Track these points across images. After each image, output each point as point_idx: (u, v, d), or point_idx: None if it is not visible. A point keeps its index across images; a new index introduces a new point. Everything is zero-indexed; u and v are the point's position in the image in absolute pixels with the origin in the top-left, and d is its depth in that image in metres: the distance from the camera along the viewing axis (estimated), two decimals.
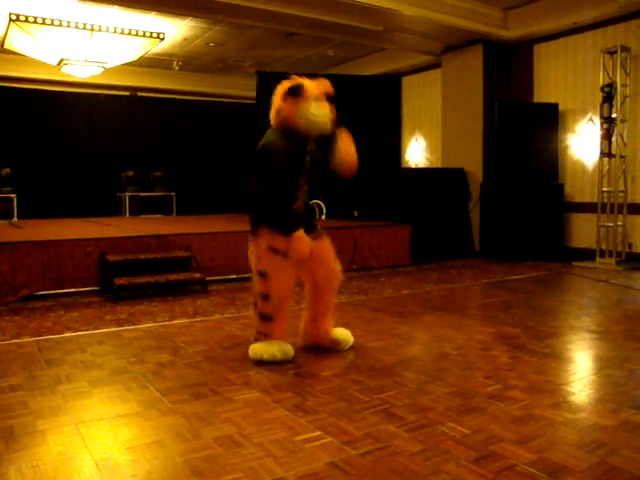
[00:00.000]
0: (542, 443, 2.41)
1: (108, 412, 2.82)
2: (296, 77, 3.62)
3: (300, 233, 3.47)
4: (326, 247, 3.83)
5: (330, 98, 3.63)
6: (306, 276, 3.83)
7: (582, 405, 2.90)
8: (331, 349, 3.87)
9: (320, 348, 3.89)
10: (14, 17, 8.19)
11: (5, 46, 9.49)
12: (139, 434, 2.57)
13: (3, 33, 9.04)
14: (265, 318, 3.62)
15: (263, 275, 3.62)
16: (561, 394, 3.05)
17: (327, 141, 3.68)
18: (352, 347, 3.95)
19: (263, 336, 3.65)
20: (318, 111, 3.52)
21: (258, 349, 3.63)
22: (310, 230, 3.69)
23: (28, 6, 8.45)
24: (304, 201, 3.74)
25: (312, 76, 3.73)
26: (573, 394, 3.06)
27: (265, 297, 3.60)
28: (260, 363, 3.57)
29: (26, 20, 8.25)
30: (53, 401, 2.98)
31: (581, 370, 3.62)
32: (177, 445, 2.43)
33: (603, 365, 3.59)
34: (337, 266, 3.85)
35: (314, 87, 3.56)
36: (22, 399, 3.00)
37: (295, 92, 3.51)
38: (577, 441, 2.45)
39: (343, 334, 3.93)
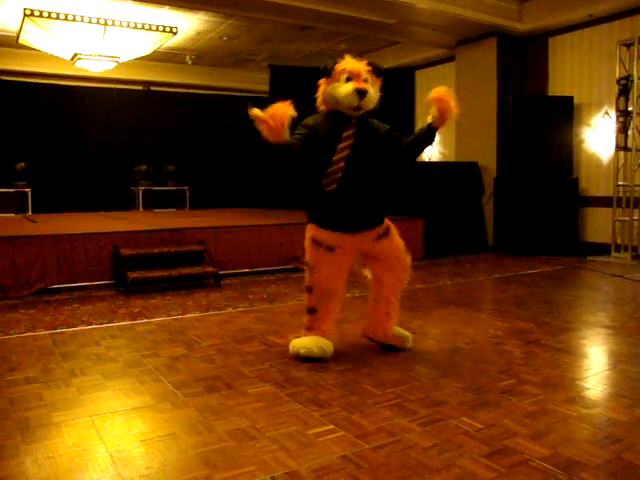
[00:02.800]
0: (556, 438, 2.40)
1: (122, 405, 2.84)
2: (348, 57, 3.52)
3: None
4: (394, 245, 3.64)
5: (378, 73, 3.52)
6: (374, 271, 3.70)
7: (596, 400, 2.88)
8: (393, 347, 3.74)
9: (378, 345, 3.79)
10: (28, 12, 8.25)
11: (20, 41, 9.54)
12: (153, 427, 2.59)
13: (18, 28, 9.09)
14: (309, 311, 3.58)
15: (307, 265, 3.57)
16: (575, 389, 3.03)
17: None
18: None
19: (306, 330, 3.59)
20: (341, 90, 3.39)
21: (297, 343, 3.55)
22: (361, 227, 3.53)
23: (42, 1, 8.49)
24: (349, 184, 3.47)
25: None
26: (587, 389, 3.03)
27: (309, 289, 3.56)
28: (297, 358, 3.51)
29: (40, 15, 8.31)
30: (68, 394, 3.00)
31: (595, 365, 3.59)
32: (190, 438, 2.44)
33: (618, 360, 3.56)
34: (406, 261, 3.67)
35: (348, 65, 3.44)
36: (37, 391, 3.03)
37: (325, 72, 3.47)
38: (591, 436, 2.43)
39: (404, 331, 3.81)
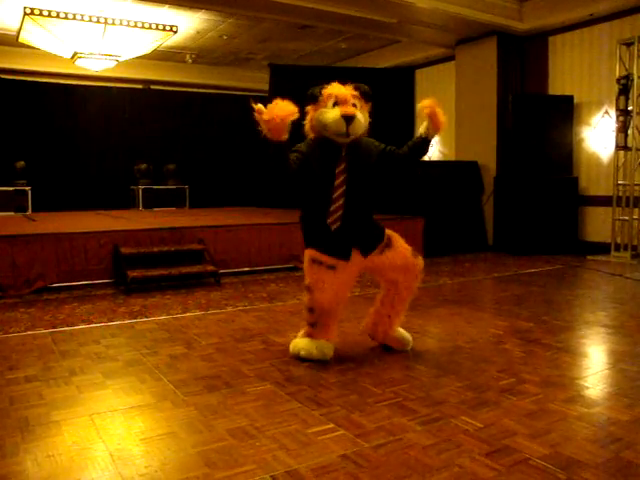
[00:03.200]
0: (556, 437, 2.40)
1: (122, 403, 2.84)
2: (333, 84, 3.44)
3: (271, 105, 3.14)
4: (400, 253, 3.57)
5: (367, 98, 3.47)
6: (383, 280, 3.69)
7: (596, 400, 2.88)
8: (394, 348, 3.75)
9: (379, 345, 3.80)
10: (28, 10, 8.24)
11: (20, 40, 9.54)
12: (153, 425, 2.59)
13: (18, 27, 9.09)
14: (311, 325, 3.54)
15: (308, 289, 3.46)
16: (575, 388, 3.03)
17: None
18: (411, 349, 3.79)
19: (308, 336, 3.56)
20: (329, 116, 3.32)
21: (297, 344, 3.56)
22: (371, 247, 3.51)
23: None
24: (350, 217, 3.43)
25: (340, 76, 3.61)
26: (587, 388, 3.04)
27: (310, 310, 3.50)
28: (297, 358, 3.52)
29: (40, 13, 8.30)
30: (68, 392, 3.00)
31: (595, 364, 3.59)
32: (190, 437, 2.44)
33: (618, 359, 3.56)
34: (415, 266, 3.62)
35: (332, 91, 3.38)
36: (37, 390, 3.03)
37: (311, 98, 3.41)
38: (591, 436, 2.43)
39: (405, 334, 3.80)
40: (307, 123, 3.48)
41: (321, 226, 3.42)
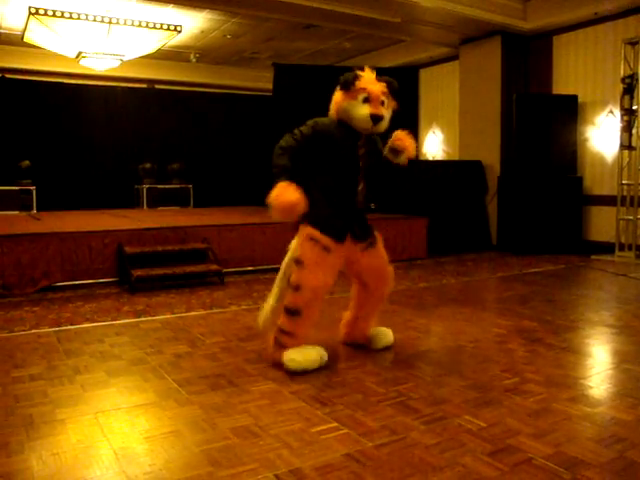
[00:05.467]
0: (559, 437, 2.40)
1: (126, 402, 2.85)
2: (366, 69, 3.48)
3: (284, 184, 3.23)
4: (379, 255, 3.63)
5: (394, 94, 3.50)
6: (356, 279, 3.70)
7: (600, 399, 2.88)
8: (366, 347, 3.77)
9: (357, 345, 3.81)
10: (33, 10, 8.26)
11: (25, 39, 9.56)
12: (157, 424, 2.60)
13: (23, 26, 9.12)
14: (291, 313, 3.31)
15: (299, 263, 3.34)
16: (579, 388, 3.03)
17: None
18: (390, 347, 3.80)
19: (287, 337, 3.33)
20: (358, 111, 3.35)
21: (295, 357, 3.29)
22: (363, 237, 3.56)
23: None
24: (352, 204, 3.51)
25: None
26: (591, 388, 3.03)
27: (296, 288, 3.31)
28: (304, 373, 3.26)
29: (45, 13, 8.32)
30: (72, 391, 3.01)
31: (599, 364, 3.58)
32: (194, 435, 2.45)
33: (622, 359, 3.56)
34: (390, 273, 3.67)
35: (368, 85, 3.38)
36: (42, 388, 3.04)
37: (344, 85, 3.40)
38: (595, 435, 2.43)
39: (380, 332, 3.80)
40: (333, 105, 3.49)
41: (329, 205, 3.43)
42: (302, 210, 3.21)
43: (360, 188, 3.50)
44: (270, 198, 3.20)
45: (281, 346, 3.36)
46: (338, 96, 3.46)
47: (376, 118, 3.35)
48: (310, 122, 3.46)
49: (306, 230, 3.41)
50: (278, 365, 3.35)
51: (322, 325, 3.76)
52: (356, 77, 3.37)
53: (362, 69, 3.46)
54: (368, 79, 3.41)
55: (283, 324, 3.36)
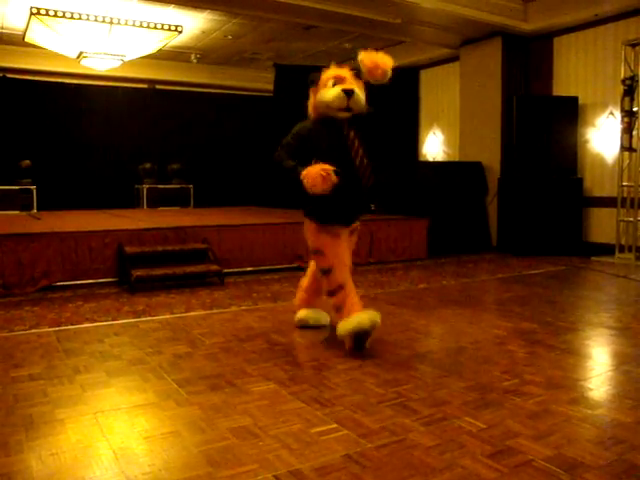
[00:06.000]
0: (559, 439, 2.40)
1: (125, 402, 2.85)
2: (331, 67, 3.77)
3: (306, 169, 3.46)
4: (353, 241, 4.03)
5: (360, 78, 3.72)
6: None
7: (600, 401, 2.88)
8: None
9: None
10: (35, 10, 8.27)
11: (26, 39, 9.57)
12: (156, 424, 2.59)
13: (24, 27, 9.12)
14: (334, 291, 3.68)
15: (320, 252, 3.76)
16: (579, 390, 3.03)
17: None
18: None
19: (340, 310, 3.65)
20: (330, 93, 3.61)
21: (347, 324, 3.55)
22: (349, 222, 3.85)
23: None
24: (363, 178, 3.72)
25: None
26: (591, 390, 3.03)
27: (327, 271, 3.70)
28: (351, 335, 3.57)
29: (46, 13, 8.32)
30: (72, 390, 3.01)
31: (599, 366, 3.58)
32: (193, 436, 2.45)
33: (621, 361, 3.56)
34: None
35: (331, 73, 3.69)
36: (41, 388, 3.04)
37: (312, 84, 3.72)
38: (595, 437, 2.43)
39: (312, 313, 4.27)
40: (310, 106, 3.80)
41: (333, 196, 3.55)
42: (332, 174, 3.41)
43: (361, 168, 3.67)
44: (306, 185, 3.45)
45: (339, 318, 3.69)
46: (311, 95, 3.77)
47: (348, 92, 3.60)
48: (294, 129, 3.76)
49: (313, 225, 3.78)
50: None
51: None
52: (321, 72, 3.72)
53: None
54: (332, 69, 3.74)
55: (335, 301, 3.72)
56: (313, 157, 3.55)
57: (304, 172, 3.44)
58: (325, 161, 3.50)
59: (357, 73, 3.72)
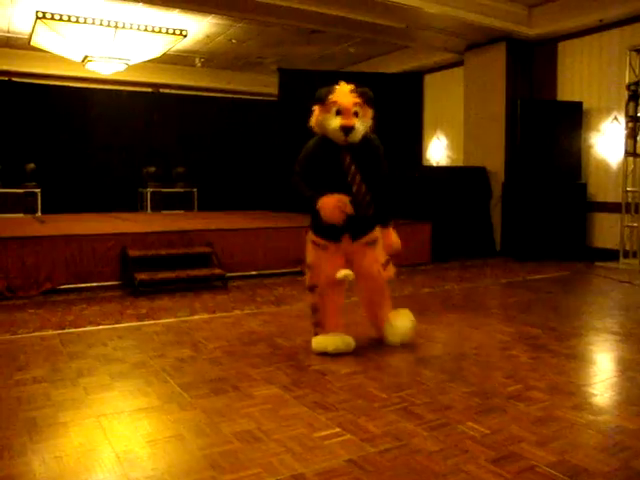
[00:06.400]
0: (563, 445, 2.39)
1: (129, 405, 2.85)
2: (341, 83, 3.67)
3: (322, 200, 3.51)
4: (371, 256, 3.79)
5: (370, 104, 3.67)
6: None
7: (604, 407, 2.87)
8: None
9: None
10: (40, 15, 8.32)
11: (31, 43, 9.62)
12: (159, 428, 2.59)
13: (30, 30, 9.16)
14: (315, 309, 3.80)
15: (309, 267, 3.81)
16: (583, 396, 3.02)
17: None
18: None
19: (319, 328, 3.80)
20: (330, 124, 3.57)
21: (322, 341, 3.74)
22: (359, 236, 3.74)
23: (54, 4, 8.55)
24: (358, 205, 3.66)
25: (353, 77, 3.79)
26: (595, 396, 3.02)
27: (312, 288, 3.78)
28: (324, 354, 3.68)
29: (52, 17, 8.38)
30: (75, 393, 3.01)
31: (603, 372, 3.57)
32: (197, 439, 2.45)
33: (626, 367, 3.55)
34: (374, 274, 3.80)
35: (339, 99, 3.57)
36: (45, 391, 3.04)
37: (319, 100, 3.63)
38: (599, 444, 2.42)
39: (390, 327, 3.92)
40: (313, 119, 3.73)
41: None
42: (347, 205, 3.49)
43: (354, 192, 3.63)
44: (322, 215, 3.52)
45: (315, 335, 3.83)
46: (316, 110, 3.68)
47: (346, 129, 3.55)
48: (303, 150, 3.77)
49: (308, 237, 3.83)
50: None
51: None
52: (329, 91, 3.60)
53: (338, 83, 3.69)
54: (340, 92, 3.62)
55: (312, 318, 3.86)
56: (314, 175, 3.67)
57: (320, 202, 3.51)
58: (324, 184, 3.60)
59: (366, 100, 3.63)
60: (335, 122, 3.56)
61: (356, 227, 3.70)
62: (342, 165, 3.64)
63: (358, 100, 3.60)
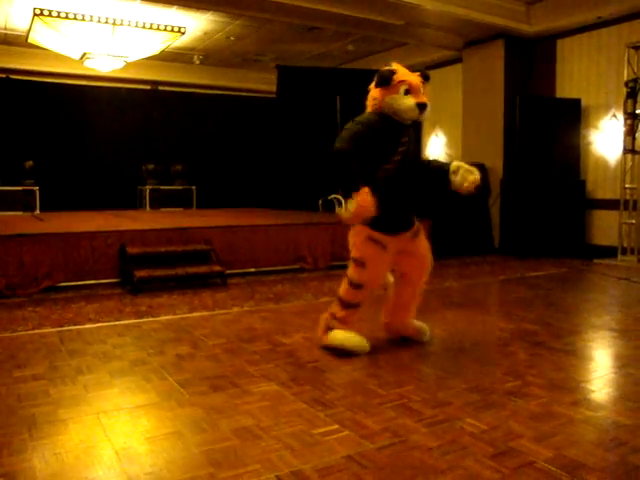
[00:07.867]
0: (561, 440, 2.40)
1: (128, 402, 2.86)
2: (394, 64, 3.63)
3: (362, 192, 3.26)
4: (422, 245, 3.81)
5: (427, 81, 3.66)
6: (395, 268, 3.83)
7: (602, 403, 2.88)
8: (411, 339, 3.96)
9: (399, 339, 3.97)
10: (38, 11, 8.30)
11: (29, 40, 9.60)
12: (158, 425, 2.60)
13: (27, 27, 9.15)
14: (348, 306, 3.65)
15: (361, 264, 3.59)
16: (581, 392, 3.03)
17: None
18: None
19: (338, 322, 3.66)
20: (404, 103, 3.50)
21: (339, 336, 3.64)
22: (407, 227, 3.71)
23: (52, 1, 8.54)
24: (402, 196, 3.68)
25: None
26: (593, 392, 3.03)
27: (357, 286, 3.60)
28: (334, 350, 3.63)
29: (50, 14, 8.36)
30: (74, 391, 3.02)
31: (601, 368, 3.58)
32: (195, 436, 2.45)
33: (624, 363, 3.55)
34: (428, 263, 3.83)
35: (407, 77, 3.53)
36: (44, 388, 3.05)
37: (383, 82, 3.53)
38: (596, 439, 2.42)
39: (423, 325, 3.98)
40: (370, 101, 3.63)
41: (385, 201, 3.45)
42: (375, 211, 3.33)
43: (392, 174, 3.59)
44: (352, 205, 3.26)
45: (329, 329, 3.69)
46: (376, 93, 3.59)
47: (422, 106, 3.54)
48: (360, 118, 3.57)
49: (365, 231, 3.57)
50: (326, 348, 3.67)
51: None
52: (392, 72, 3.53)
53: (389, 64, 3.64)
54: (403, 72, 3.58)
55: (337, 312, 3.68)
56: (372, 155, 3.51)
57: (358, 197, 3.23)
58: (380, 161, 3.53)
59: (425, 78, 3.63)
60: (409, 100, 3.50)
61: (410, 214, 3.75)
62: (398, 144, 3.58)
63: (421, 78, 3.60)
